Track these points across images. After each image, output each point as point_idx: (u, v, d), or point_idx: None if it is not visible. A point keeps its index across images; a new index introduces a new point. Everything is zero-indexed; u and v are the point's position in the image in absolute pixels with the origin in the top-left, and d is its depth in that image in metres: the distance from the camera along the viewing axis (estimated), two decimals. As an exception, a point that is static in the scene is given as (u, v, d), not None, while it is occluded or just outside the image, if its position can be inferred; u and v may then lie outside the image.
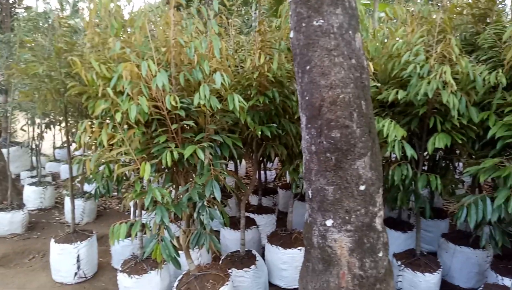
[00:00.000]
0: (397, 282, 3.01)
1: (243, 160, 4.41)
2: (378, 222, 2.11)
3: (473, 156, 2.80)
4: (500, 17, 3.05)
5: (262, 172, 5.50)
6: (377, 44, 3.06)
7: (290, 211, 3.42)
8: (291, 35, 2.21)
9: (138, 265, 2.89)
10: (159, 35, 2.57)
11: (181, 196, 2.41)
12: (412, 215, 4.11)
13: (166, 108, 2.24)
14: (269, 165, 6.48)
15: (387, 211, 4.12)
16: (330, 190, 2.07)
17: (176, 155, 2.17)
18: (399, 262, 3.02)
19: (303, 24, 2.11)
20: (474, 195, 2.45)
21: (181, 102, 2.33)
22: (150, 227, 2.30)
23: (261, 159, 4.10)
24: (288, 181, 5.18)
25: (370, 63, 2.90)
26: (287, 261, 3.12)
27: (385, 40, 3.15)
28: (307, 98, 2.13)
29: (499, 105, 2.50)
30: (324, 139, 2.07)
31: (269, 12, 6.37)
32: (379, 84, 2.94)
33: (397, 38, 2.96)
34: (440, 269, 2.96)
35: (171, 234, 2.23)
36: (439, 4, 3.38)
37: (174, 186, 2.71)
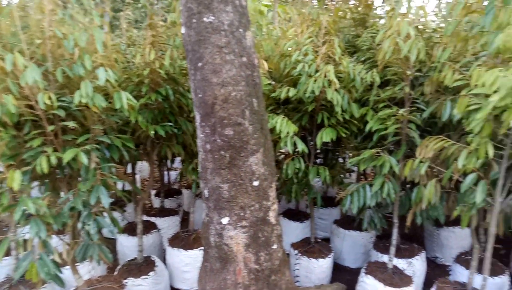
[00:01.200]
0: (294, 270, 3.18)
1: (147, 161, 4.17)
2: (272, 216, 2.18)
3: (357, 148, 3.08)
4: (376, 22, 3.40)
5: (167, 172, 5.33)
6: (272, 43, 3.16)
7: (192, 211, 3.35)
8: (183, 30, 2.14)
9: (14, 288, 2.52)
10: (33, 25, 2.25)
11: (63, 206, 2.16)
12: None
13: (41, 108, 1.98)
14: (177, 164, 6.30)
15: (286, 203, 4.33)
16: (225, 187, 2.06)
17: (54, 160, 1.93)
18: (296, 251, 3.19)
19: (194, 20, 2.06)
20: (357, 184, 2.70)
21: (61, 101, 2.08)
22: (30, 243, 2.01)
23: (163, 159, 3.94)
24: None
25: (265, 62, 2.99)
26: (189, 263, 3.05)
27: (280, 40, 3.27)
28: (200, 95, 2.09)
29: (375, 101, 2.79)
30: (218, 137, 2.05)
31: (170, 7, 6.14)
32: (273, 82, 3.04)
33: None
34: (332, 254, 3.21)
35: (50, 249, 1.98)
36: (325, 7, 3.63)
37: (56, 194, 2.42)
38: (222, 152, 2.05)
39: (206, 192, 2.17)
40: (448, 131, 2.65)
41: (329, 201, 4.31)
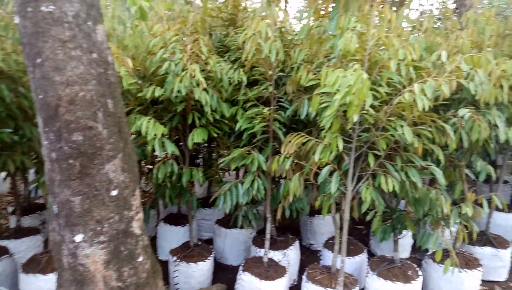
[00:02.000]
0: (174, 278, 3.06)
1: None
2: (136, 226, 2.02)
3: (231, 147, 3.10)
4: (245, 22, 3.47)
5: (25, 185, 4.59)
6: (138, 39, 2.96)
7: (51, 228, 2.93)
8: (16, 21, 1.82)
9: None
10: None
11: None
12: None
13: None
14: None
15: (164, 208, 4.17)
16: (77, 201, 1.82)
17: None
18: (175, 257, 3.07)
19: (30, 9, 1.76)
20: (231, 182, 2.71)
21: None
22: None
23: (18, 170, 3.36)
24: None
25: (129, 59, 2.77)
26: (50, 288, 2.66)
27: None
28: (41, 96, 1.80)
29: (244, 100, 2.84)
30: (65, 144, 1.80)
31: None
32: (140, 81, 2.85)
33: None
34: (212, 255, 3.19)
35: None
36: (195, 4, 3.57)
37: None
38: (71, 161, 1.80)
39: (55, 207, 1.89)
40: (311, 128, 2.85)
41: (213, 201, 4.28)
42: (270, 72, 2.58)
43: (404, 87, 2.28)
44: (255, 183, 2.60)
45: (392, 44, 2.25)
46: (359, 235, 4.45)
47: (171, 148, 2.50)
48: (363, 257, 3.28)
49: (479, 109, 2.57)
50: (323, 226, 4.00)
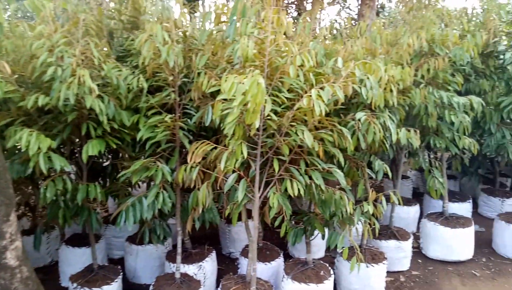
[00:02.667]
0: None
1: None
2: (11, 257, 1.74)
3: (134, 158, 2.89)
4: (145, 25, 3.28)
5: None
6: (18, 42, 2.62)
7: None
8: None
9: None
10: None
11: None
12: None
13: None
14: None
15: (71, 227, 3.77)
16: None
17: None
18: (75, 284, 2.76)
19: None
20: (133, 197, 2.51)
21: None
22: None
23: None
24: None
25: (6, 64, 2.43)
26: None
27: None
28: None
29: (148, 108, 2.66)
30: None
31: None
32: (23, 88, 2.52)
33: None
34: (120, 277, 2.93)
35: None
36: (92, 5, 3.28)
37: None
38: None
39: None
40: (220, 135, 2.78)
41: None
42: (170, 78, 2.45)
43: (306, 92, 2.32)
44: (160, 195, 2.44)
45: (291, 50, 2.28)
46: (277, 239, 4.49)
47: (60, 162, 2.23)
48: (279, 262, 3.29)
49: (375, 112, 2.74)
50: (242, 233, 3.95)
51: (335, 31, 3.80)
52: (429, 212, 4.26)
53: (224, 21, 2.41)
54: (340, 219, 2.65)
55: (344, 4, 8.46)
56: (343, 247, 2.78)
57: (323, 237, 2.81)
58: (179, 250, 2.77)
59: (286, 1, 8.27)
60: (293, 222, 3.24)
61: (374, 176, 2.94)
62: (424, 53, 3.24)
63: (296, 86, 2.43)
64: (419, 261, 3.91)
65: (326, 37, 3.18)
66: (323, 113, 2.12)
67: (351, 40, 3.07)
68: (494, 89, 3.78)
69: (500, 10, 3.83)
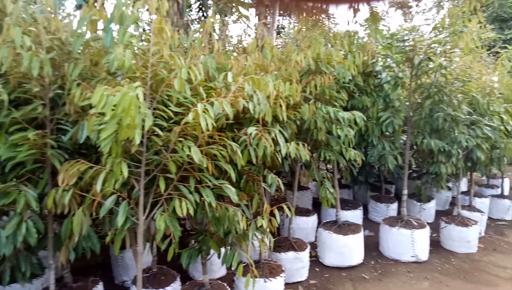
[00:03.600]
0: None
1: None
2: None
3: None
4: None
5: None
6: None
7: None
8: None
9: None
10: None
11: None
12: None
13: None
14: None
15: None
16: None
17: None
18: None
19: None
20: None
21: None
22: None
23: None
24: None
25: None
26: None
27: None
28: None
29: (12, 123, 2.28)
30: None
31: None
32: None
33: None
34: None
35: None
36: None
37: None
38: None
39: None
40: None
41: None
42: (37, 89, 2.14)
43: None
44: (23, 225, 2.08)
45: (176, 63, 2.17)
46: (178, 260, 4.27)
47: None
48: (175, 287, 3.08)
49: (267, 127, 2.78)
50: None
51: (231, 47, 3.83)
52: (325, 221, 4.49)
53: (101, 29, 2.21)
54: (235, 236, 2.59)
55: (247, 22, 8.76)
56: (239, 264, 2.72)
57: (218, 256, 2.71)
58: (52, 287, 2.39)
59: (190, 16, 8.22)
60: (193, 241, 3.09)
61: (268, 189, 2.96)
62: (312, 71, 3.43)
63: (185, 100, 2.33)
64: (317, 269, 4.06)
65: (221, 51, 3.16)
66: (210, 128, 2.05)
67: (244, 55, 3.10)
68: (374, 105, 4.19)
69: (377, 35, 4.28)
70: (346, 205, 5.22)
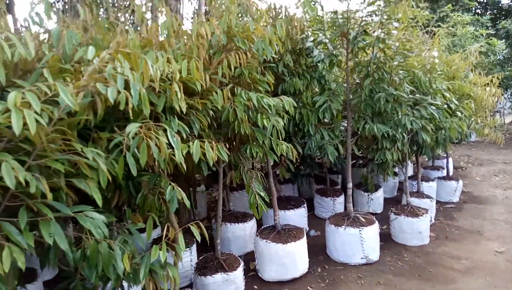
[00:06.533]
0: None
1: None
2: None
3: None
4: None
5: None
6: None
7: None
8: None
9: None
10: None
11: None
12: None
13: None
14: None
15: None
16: None
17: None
18: None
19: None
20: None
21: None
22: None
23: None
24: None
25: None
26: None
27: None
28: None
29: None
30: None
31: None
32: None
33: None
34: None
35: None
36: None
37: None
38: None
39: None
40: None
41: None
42: None
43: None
44: None
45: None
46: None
47: None
48: None
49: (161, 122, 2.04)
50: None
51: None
52: (263, 227, 3.85)
53: None
54: (115, 281, 1.83)
55: None
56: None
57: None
58: None
59: None
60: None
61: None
62: (226, 48, 2.73)
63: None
64: (255, 287, 3.42)
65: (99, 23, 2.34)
66: (32, 130, 1.27)
67: (129, 29, 2.32)
68: (308, 88, 3.60)
69: (307, 7, 3.67)
70: (289, 203, 4.64)
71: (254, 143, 2.99)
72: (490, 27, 12.22)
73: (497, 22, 13.37)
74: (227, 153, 2.27)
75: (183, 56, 2.29)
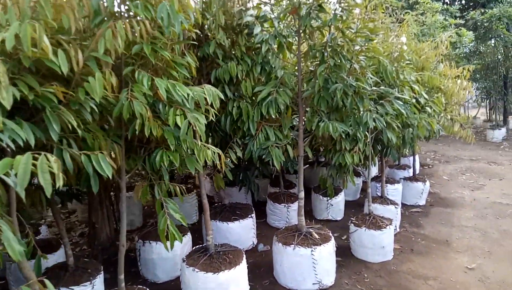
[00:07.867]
0: None
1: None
2: None
3: None
4: None
5: None
6: None
7: None
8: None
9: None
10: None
11: None
12: None
13: None
14: None
15: None
16: None
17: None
18: None
19: None
20: None
21: None
22: None
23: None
24: None
25: None
26: None
27: None
28: None
29: None
30: None
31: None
32: None
33: None
34: None
35: None
36: None
37: None
38: None
39: None
40: None
41: None
42: None
43: None
44: None
45: None
46: None
47: None
48: None
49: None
50: None
51: None
52: (195, 247, 3.11)
53: None
54: None
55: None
56: None
57: None
58: None
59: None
60: None
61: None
62: (116, 16, 1.94)
63: None
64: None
65: None
66: None
67: None
68: (249, 76, 2.86)
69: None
70: (234, 212, 3.93)
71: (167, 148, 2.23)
72: (459, 18, 11.96)
73: (466, 13, 13.17)
74: (113, 167, 1.51)
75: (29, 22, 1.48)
